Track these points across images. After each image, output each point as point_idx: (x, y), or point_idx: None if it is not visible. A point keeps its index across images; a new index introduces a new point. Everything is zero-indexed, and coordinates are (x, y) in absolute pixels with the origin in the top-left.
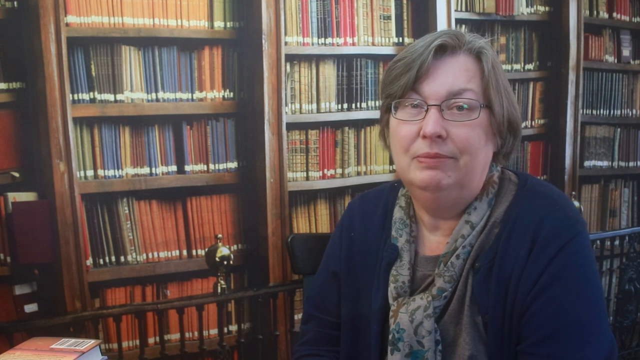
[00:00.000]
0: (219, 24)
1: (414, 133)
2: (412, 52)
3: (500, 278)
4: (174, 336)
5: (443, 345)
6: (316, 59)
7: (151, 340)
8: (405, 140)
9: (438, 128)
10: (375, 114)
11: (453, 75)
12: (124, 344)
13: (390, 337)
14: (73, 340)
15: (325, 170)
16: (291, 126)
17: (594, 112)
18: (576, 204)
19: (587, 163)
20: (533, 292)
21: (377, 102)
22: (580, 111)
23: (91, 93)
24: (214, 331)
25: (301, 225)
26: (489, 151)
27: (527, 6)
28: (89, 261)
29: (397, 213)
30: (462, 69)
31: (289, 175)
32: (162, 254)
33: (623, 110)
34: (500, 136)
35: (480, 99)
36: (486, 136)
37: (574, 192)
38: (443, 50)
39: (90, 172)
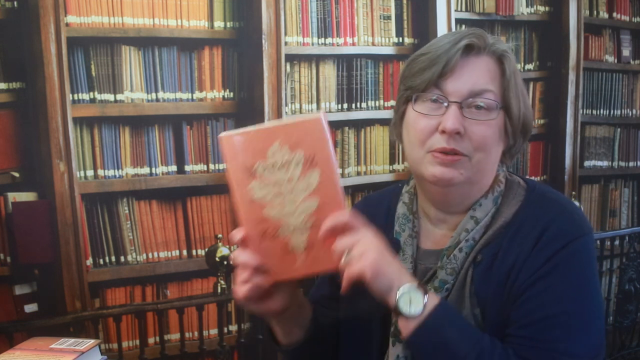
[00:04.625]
0: (219, 24)
1: (432, 127)
2: (438, 47)
3: (502, 271)
4: (174, 336)
5: None
6: (316, 59)
7: (151, 340)
8: (422, 133)
9: (458, 124)
10: (375, 114)
11: (476, 75)
12: (124, 344)
13: (392, 328)
14: (73, 340)
15: None
16: None
17: (594, 112)
18: (576, 204)
19: (587, 163)
20: (530, 279)
21: (377, 102)
22: (580, 111)
23: (91, 93)
24: (214, 331)
25: None
26: (499, 150)
27: (527, 6)
28: (89, 261)
29: (400, 209)
30: (484, 69)
31: None
32: (162, 254)
33: (623, 110)
34: (514, 137)
35: (499, 100)
36: (500, 136)
37: (574, 192)
38: (469, 49)
39: (90, 172)
